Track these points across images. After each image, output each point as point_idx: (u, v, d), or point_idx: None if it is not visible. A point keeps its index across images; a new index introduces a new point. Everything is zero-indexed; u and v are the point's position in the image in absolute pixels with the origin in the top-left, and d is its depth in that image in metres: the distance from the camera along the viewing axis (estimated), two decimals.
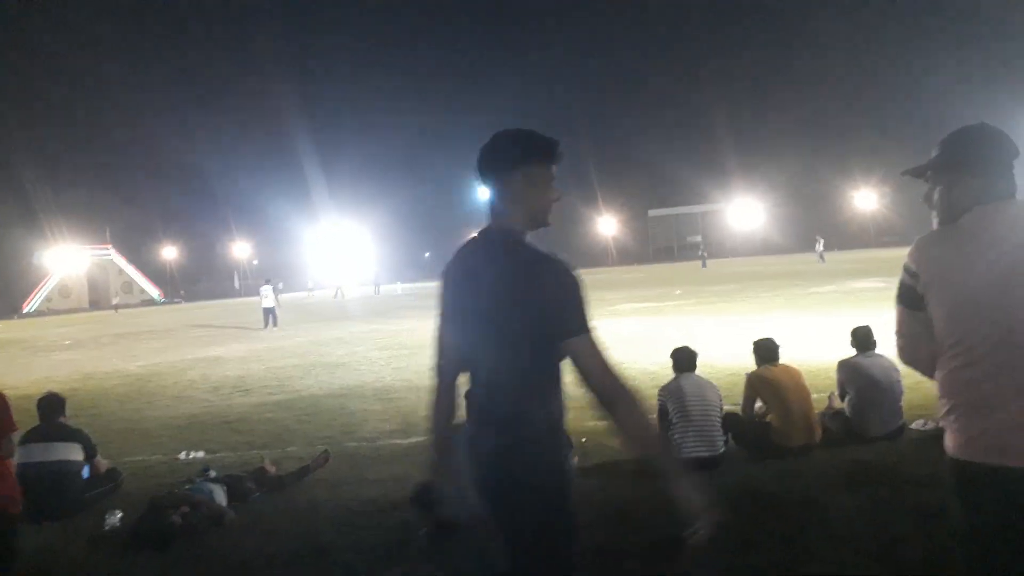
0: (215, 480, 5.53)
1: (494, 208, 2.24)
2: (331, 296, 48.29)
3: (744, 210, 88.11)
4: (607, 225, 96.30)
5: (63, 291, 73.67)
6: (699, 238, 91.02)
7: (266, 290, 23.88)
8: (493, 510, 2.11)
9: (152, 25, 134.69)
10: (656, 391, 6.14)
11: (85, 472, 5.84)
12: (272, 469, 6.01)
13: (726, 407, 5.85)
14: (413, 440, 7.06)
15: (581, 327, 2.07)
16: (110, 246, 78.20)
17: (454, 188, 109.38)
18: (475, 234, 2.32)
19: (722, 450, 5.47)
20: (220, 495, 5.29)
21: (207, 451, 7.15)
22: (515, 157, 2.20)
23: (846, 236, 76.15)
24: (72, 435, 5.84)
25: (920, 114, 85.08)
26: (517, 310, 2.09)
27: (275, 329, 22.50)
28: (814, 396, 6.01)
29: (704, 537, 1.95)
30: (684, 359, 5.83)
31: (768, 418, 5.78)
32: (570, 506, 2.17)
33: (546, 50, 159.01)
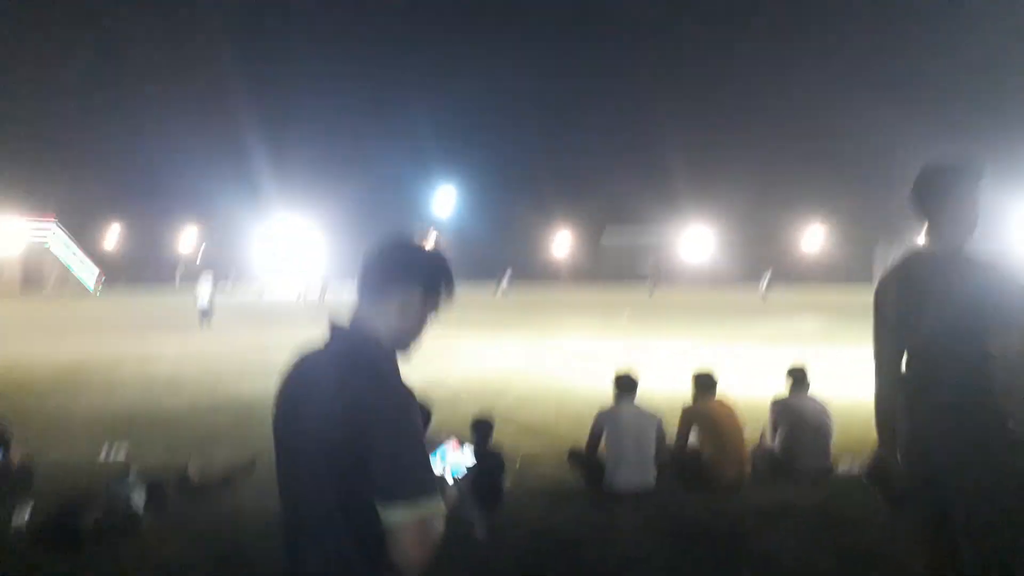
0: (135, 483, 5.33)
1: (936, 228, 2.55)
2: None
3: (695, 240, 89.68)
4: (560, 244, 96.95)
5: None
6: (650, 263, 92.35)
7: (204, 286, 23.23)
8: None
9: (104, 5, 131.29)
10: (592, 415, 6.16)
11: None
12: (196, 475, 5.83)
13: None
14: None
15: None
16: (52, 219, 75.41)
17: (408, 193, 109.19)
18: (918, 251, 2.61)
19: (654, 483, 5.49)
20: (139, 498, 5.11)
21: (130, 452, 6.90)
22: (967, 181, 2.55)
23: (793, 273, 78.10)
24: None
25: (867, 158, 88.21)
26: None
27: (209, 328, 21.93)
28: (746, 432, 6.09)
29: None
30: (625, 385, 5.85)
31: (701, 452, 5.84)
32: None
33: (502, 59, 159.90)
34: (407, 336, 1.78)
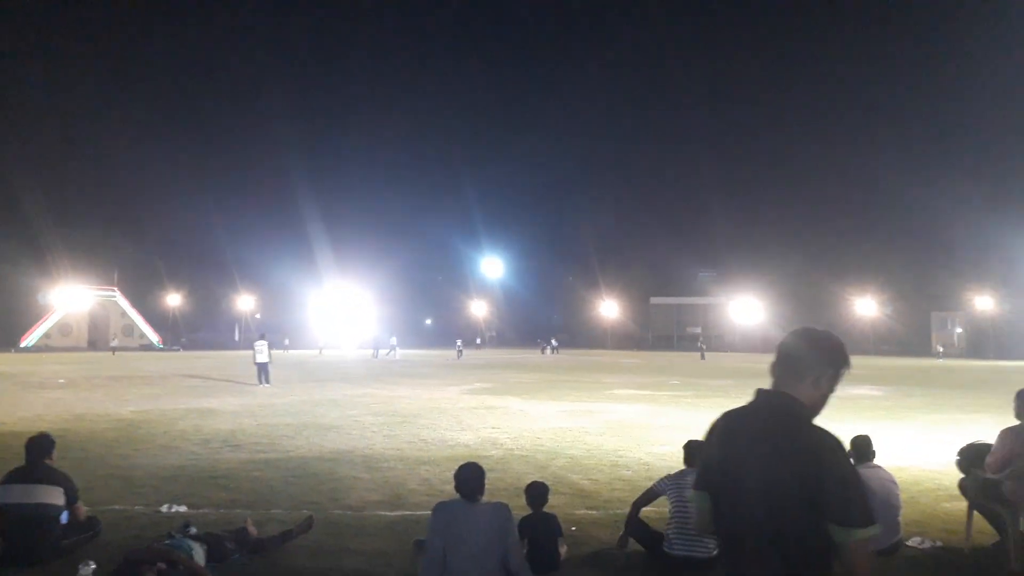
0: (195, 537, 5.41)
1: None
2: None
3: (744, 306, 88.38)
4: (608, 309, 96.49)
5: (63, 329, 73.44)
6: (699, 329, 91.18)
7: (260, 345, 23.70)
8: None
9: (167, 85, 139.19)
10: (650, 483, 6.05)
11: (64, 517, 5.73)
12: (254, 530, 5.89)
13: None
14: (399, 513, 6.94)
15: None
16: (116, 288, 78.43)
17: (452, 257, 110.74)
18: None
19: (715, 552, 5.35)
20: (199, 553, 5.18)
21: (190, 505, 7.02)
22: None
23: (846, 342, 75.95)
24: (55, 478, 5.75)
25: (920, 227, 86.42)
26: None
27: (267, 385, 22.34)
28: None
29: None
30: (694, 454, 5.76)
31: None
32: None
33: (551, 128, 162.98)
34: (818, 405, 2.26)
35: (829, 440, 2.12)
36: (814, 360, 2.26)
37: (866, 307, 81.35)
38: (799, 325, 2.41)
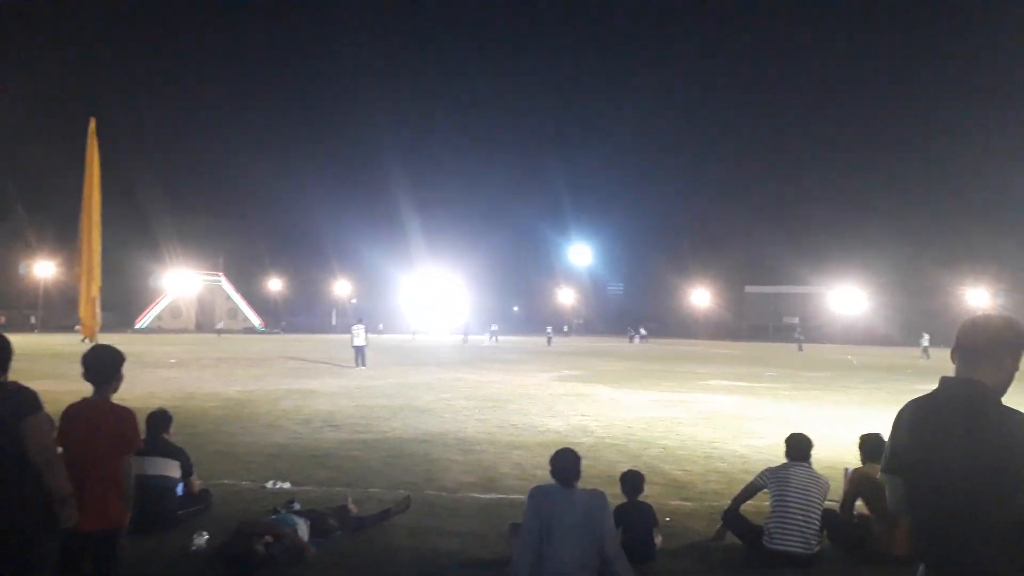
0: (299, 513, 5.63)
1: None
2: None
3: (845, 296, 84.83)
4: (700, 297, 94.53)
5: (174, 311, 77.71)
6: (796, 320, 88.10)
7: (358, 329, 24.45)
8: None
9: (271, 83, 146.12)
10: (747, 476, 5.92)
11: (179, 489, 6.06)
12: (354, 508, 6.08)
13: (826, 503, 5.57)
14: (492, 496, 7.01)
15: None
16: (222, 274, 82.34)
17: (541, 244, 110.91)
18: None
19: (816, 549, 5.19)
20: (303, 529, 5.38)
21: (293, 483, 7.30)
22: None
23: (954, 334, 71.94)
24: (173, 452, 6.09)
25: None
26: None
27: (363, 368, 23.01)
28: None
29: None
30: (797, 447, 5.57)
31: (869, 520, 5.46)
32: None
33: (641, 113, 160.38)
34: (1003, 386, 2.33)
35: (1019, 418, 2.21)
36: (993, 343, 2.33)
37: (979, 298, 76.73)
38: (984, 311, 2.49)
